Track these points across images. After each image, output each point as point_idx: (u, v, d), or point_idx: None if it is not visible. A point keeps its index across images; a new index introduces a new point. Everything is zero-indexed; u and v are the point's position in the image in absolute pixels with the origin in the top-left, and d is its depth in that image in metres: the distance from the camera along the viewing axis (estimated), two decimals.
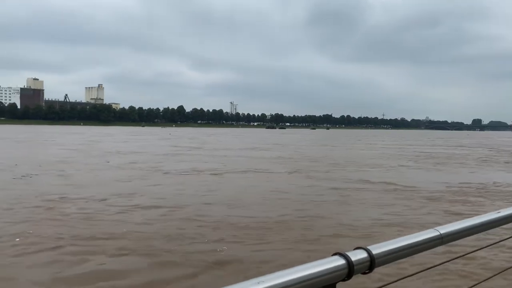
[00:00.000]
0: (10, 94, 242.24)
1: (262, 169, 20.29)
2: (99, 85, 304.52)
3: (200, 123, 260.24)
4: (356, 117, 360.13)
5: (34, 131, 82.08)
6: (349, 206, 11.71)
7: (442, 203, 12.27)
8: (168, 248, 7.29)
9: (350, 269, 1.16)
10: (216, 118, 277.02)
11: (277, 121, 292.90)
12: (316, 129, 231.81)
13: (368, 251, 1.23)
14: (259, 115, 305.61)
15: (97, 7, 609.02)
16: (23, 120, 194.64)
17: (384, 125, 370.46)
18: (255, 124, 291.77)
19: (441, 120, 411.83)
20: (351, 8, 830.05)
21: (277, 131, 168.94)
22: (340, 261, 1.16)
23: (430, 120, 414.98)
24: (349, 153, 35.54)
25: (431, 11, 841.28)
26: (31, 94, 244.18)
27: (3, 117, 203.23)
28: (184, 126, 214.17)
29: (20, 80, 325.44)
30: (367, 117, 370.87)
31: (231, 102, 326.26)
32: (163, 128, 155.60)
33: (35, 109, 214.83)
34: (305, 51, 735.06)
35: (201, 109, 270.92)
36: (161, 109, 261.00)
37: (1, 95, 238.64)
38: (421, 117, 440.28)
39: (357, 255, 1.19)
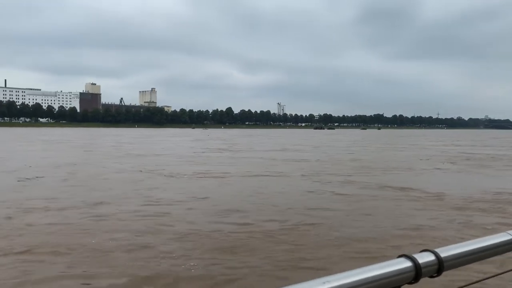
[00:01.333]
0: (70, 98, 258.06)
1: (274, 172, 19.12)
2: (152, 88, 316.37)
3: (248, 124, 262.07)
4: (409, 117, 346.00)
5: (121, 133, 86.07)
6: (347, 215, 10.30)
7: (469, 211, 10.55)
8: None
9: (417, 272, 1.11)
10: (263, 119, 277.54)
11: (325, 121, 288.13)
12: (367, 130, 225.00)
13: (436, 254, 1.17)
14: (307, 115, 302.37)
15: (152, 14, 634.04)
16: (82, 123, 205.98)
17: (439, 125, 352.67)
18: (303, 124, 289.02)
19: (502, 119, 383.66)
20: (403, 5, 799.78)
21: (324, 131, 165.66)
22: (406, 263, 1.12)
23: (489, 119, 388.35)
24: (383, 154, 33.25)
25: (488, 4, 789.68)
26: (89, 98, 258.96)
27: (64, 120, 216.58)
28: (232, 128, 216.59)
29: (79, 85, 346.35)
30: (420, 117, 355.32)
31: (278, 103, 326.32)
32: (206, 130, 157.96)
33: (93, 112, 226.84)
34: (354, 50, 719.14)
35: (249, 110, 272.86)
36: (210, 111, 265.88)
37: (63, 99, 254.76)
38: (480, 115, 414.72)
39: (424, 258, 1.15)
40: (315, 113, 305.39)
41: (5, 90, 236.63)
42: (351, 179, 16.71)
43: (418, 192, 13.59)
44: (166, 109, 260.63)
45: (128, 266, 6.33)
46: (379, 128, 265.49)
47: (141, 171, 18.92)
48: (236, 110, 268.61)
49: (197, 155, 29.50)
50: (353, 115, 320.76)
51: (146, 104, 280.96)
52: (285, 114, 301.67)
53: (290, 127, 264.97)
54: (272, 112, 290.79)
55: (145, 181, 15.74)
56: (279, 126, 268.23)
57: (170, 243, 7.58)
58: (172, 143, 48.13)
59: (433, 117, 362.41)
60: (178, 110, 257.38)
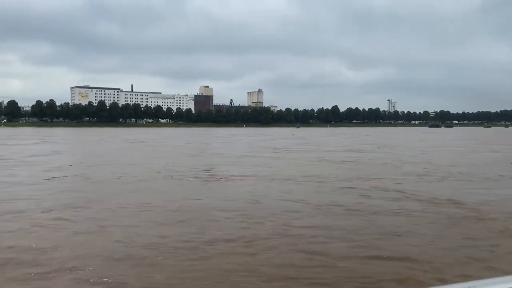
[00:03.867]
0: (186, 100, 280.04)
1: (315, 175, 17.98)
2: (259, 89, 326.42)
3: (355, 122, 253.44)
4: None
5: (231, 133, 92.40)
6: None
7: None
8: None
9: None
10: (372, 118, 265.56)
11: (442, 118, 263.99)
12: (491, 127, 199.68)
13: None
14: (421, 112, 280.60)
15: (261, 17, 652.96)
16: (196, 123, 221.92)
17: None
18: (416, 122, 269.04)
19: None
20: None
21: (440, 129, 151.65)
22: None
23: None
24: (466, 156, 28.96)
25: None
26: (202, 100, 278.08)
27: (181, 120, 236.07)
28: (338, 126, 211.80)
29: (194, 88, 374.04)
30: None
31: (388, 100, 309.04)
32: (296, 129, 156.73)
33: (206, 113, 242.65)
34: (477, 40, 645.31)
35: (356, 108, 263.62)
36: (316, 110, 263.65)
37: (180, 101, 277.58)
38: None
39: None
40: (430, 110, 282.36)
41: (132, 94, 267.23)
42: (374, 185, 14.82)
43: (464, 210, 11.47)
44: (272, 108, 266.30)
45: None
46: (506, 126, 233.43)
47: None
48: (342, 109, 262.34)
49: (253, 155, 29.37)
50: (474, 111, 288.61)
51: (253, 104, 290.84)
52: (396, 112, 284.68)
53: (402, 125, 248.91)
54: (381, 109, 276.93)
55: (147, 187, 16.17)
56: (390, 125, 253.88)
57: None
58: (240, 143, 48.65)
59: None
60: (283, 109, 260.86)
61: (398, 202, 11.83)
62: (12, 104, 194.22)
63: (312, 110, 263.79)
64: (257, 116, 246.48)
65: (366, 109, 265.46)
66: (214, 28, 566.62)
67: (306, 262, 6.84)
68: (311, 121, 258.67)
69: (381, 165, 22.32)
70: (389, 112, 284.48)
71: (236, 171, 19.42)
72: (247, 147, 40.47)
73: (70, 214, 10.16)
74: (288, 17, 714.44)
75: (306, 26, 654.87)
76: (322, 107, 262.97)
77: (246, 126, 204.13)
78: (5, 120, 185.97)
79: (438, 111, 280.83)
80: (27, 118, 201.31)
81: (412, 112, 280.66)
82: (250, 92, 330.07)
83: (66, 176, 17.05)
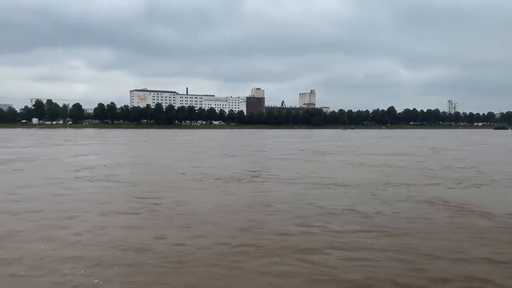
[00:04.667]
0: (238, 102, 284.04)
1: (339, 180, 17.11)
2: (311, 90, 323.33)
3: (413, 124, 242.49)
4: None
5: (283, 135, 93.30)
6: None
7: None
8: None
9: None
10: (430, 119, 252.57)
11: (509, 120, 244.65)
12: None
13: None
14: (485, 114, 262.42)
15: (315, 16, 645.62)
16: (248, 125, 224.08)
17: None
18: (480, 124, 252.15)
19: None
20: None
21: (507, 132, 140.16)
22: None
23: None
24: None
25: None
26: (254, 102, 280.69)
27: (233, 122, 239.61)
28: (394, 128, 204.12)
29: (246, 90, 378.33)
30: None
31: (449, 101, 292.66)
32: (344, 130, 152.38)
33: (257, 115, 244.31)
34: None
35: (414, 109, 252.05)
36: (370, 111, 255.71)
37: (232, 103, 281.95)
38: None
39: None
40: (495, 111, 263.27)
41: (187, 97, 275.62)
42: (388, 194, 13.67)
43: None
44: (324, 110, 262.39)
45: None
46: None
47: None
48: (399, 110, 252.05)
49: (286, 158, 28.72)
50: None
51: (305, 106, 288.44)
52: (457, 113, 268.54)
53: (463, 127, 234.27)
54: (441, 110, 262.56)
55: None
56: (450, 126, 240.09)
57: None
58: (277, 145, 47.91)
59: None
60: (336, 111, 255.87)
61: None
62: (77, 107, 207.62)
63: (367, 111, 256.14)
64: (308, 117, 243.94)
65: (425, 110, 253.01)
66: (268, 30, 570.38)
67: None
68: (365, 122, 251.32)
69: (416, 170, 20.86)
70: (450, 113, 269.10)
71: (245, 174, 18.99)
72: (281, 149, 39.77)
73: (64, 220, 10.31)
74: (342, 16, 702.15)
75: (360, 25, 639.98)
76: (377, 108, 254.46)
77: (297, 128, 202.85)
78: (70, 122, 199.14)
79: (505, 112, 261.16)
80: (90, 120, 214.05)
81: (475, 113, 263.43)
82: (302, 94, 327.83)
83: (93, 177, 17.55)
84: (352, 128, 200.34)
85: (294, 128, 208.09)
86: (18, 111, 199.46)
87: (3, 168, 20.47)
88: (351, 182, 15.98)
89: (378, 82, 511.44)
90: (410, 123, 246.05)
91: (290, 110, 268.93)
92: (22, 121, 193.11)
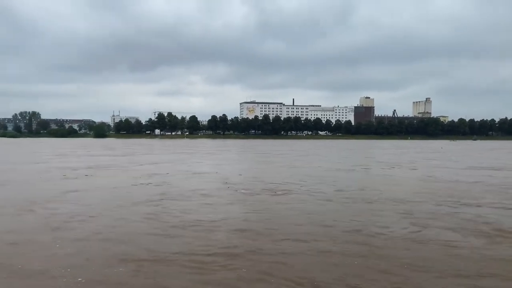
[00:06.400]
0: (346, 112, 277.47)
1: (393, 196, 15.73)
2: (426, 99, 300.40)
3: None
4: None
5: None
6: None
7: None
8: None
9: None
10: None
11: None
12: None
13: None
14: None
15: (432, 21, 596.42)
16: (356, 135, 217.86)
17: None
18: None
19: None
20: None
21: None
22: None
23: None
24: None
25: None
26: (363, 111, 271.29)
27: (339, 132, 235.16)
28: None
29: (354, 100, 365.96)
30: None
31: None
32: (453, 141, 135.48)
33: (366, 124, 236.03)
34: None
35: None
36: (497, 120, 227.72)
37: (339, 113, 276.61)
38: None
39: None
40: None
41: (293, 108, 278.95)
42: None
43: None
44: (442, 119, 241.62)
45: None
46: None
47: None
48: None
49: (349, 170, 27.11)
50: None
51: (420, 115, 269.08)
52: None
53: None
54: None
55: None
56: None
57: None
58: (359, 155, 44.99)
59: None
60: (456, 120, 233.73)
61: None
62: (193, 119, 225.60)
63: (492, 120, 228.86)
64: (423, 127, 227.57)
65: None
66: (379, 37, 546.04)
67: None
68: (490, 133, 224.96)
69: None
70: None
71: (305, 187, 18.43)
72: (360, 159, 37.72)
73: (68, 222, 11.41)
74: (462, 18, 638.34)
75: (484, 27, 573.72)
76: (505, 117, 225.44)
77: (410, 139, 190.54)
78: (187, 133, 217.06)
79: None
80: (204, 131, 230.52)
81: None
82: (416, 102, 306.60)
83: (148, 184, 18.98)
84: (475, 139, 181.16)
85: (407, 139, 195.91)
86: (144, 123, 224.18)
87: (76, 173, 23.26)
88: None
89: (506, 88, 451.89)
90: None
91: (402, 119, 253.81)
92: (147, 132, 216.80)
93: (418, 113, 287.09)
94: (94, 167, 27.88)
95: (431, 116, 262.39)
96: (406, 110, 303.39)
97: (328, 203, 13.88)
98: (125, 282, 6.55)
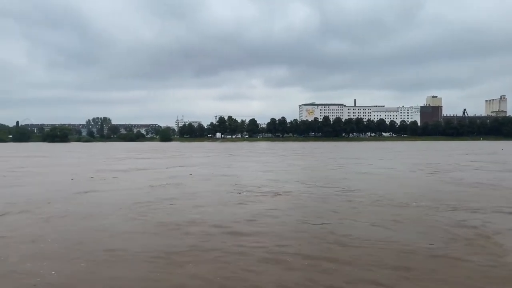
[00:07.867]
0: (411, 112, 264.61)
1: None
2: (501, 96, 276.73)
3: None
4: None
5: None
6: None
7: None
8: None
9: None
10: None
11: None
12: None
13: None
14: None
15: (505, 12, 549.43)
16: (422, 136, 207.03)
17: None
18: None
19: None
20: None
21: None
22: None
23: None
24: None
25: None
26: (429, 111, 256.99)
27: (405, 134, 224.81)
28: None
29: (420, 99, 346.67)
30: None
31: None
32: None
33: (433, 125, 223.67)
34: None
35: None
36: None
37: (404, 114, 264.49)
38: None
39: None
40: None
41: (355, 109, 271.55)
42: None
43: None
44: None
45: None
46: None
47: None
48: None
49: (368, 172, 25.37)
50: None
51: (493, 114, 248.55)
52: None
53: None
54: None
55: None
56: None
57: None
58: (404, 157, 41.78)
59: None
60: None
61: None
62: (252, 122, 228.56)
63: None
64: (498, 127, 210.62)
65: None
66: (447, 34, 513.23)
67: None
68: None
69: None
70: None
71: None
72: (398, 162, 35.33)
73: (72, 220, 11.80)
74: None
75: None
76: None
77: (483, 139, 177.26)
78: (247, 136, 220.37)
79: None
80: (263, 133, 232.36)
81: None
82: (489, 100, 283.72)
83: (166, 185, 19.32)
84: None
85: (479, 139, 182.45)
86: (205, 127, 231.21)
87: (105, 175, 24.31)
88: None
89: None
90: None
91: (473, 119, 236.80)
92: (208, 135, 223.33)
93: (492, 112, 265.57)
94: (128, 170, 29.03)
95: (507, 115, 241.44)
96: (478, 109, 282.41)
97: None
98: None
